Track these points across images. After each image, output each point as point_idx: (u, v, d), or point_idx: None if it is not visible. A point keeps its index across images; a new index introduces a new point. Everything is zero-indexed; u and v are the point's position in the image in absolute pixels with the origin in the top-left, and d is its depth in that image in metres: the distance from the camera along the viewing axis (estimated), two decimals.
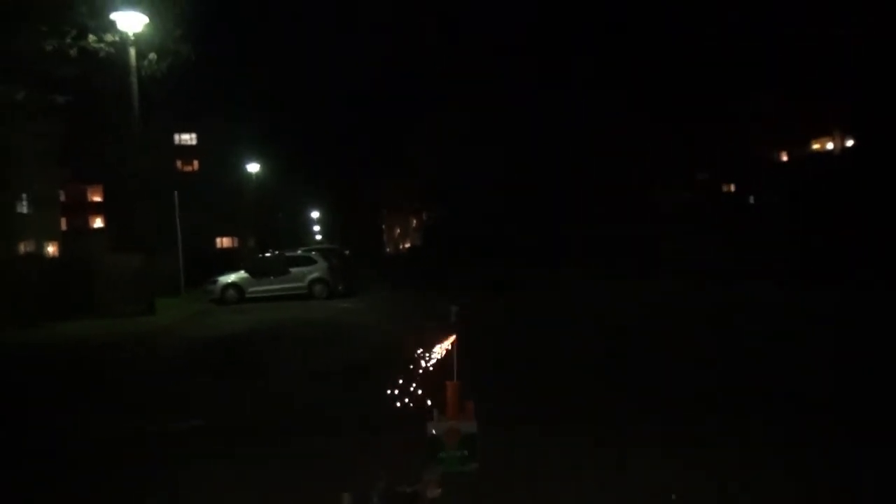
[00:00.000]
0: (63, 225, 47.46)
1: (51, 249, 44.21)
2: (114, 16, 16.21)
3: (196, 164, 67.15)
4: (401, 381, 5.10)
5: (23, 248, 35.52)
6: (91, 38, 15.77)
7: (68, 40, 15.26)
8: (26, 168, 30.73)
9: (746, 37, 32.08)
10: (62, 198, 47.94)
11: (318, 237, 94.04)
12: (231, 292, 21.61)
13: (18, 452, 5.85)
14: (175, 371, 9.89)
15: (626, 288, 20.57)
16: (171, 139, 62.37)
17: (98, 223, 62.71)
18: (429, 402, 4.84)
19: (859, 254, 18.80)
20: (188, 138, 67.85)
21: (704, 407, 6.22)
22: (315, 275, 22.07)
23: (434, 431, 4.62)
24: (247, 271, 22.33)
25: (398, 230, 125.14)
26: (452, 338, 4.96)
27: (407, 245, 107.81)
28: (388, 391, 5.13)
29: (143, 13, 16.41)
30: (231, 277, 22.02)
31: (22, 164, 28.82)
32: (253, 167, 52.52)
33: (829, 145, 35.84)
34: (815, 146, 36.89)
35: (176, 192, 22.54)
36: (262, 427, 6.19)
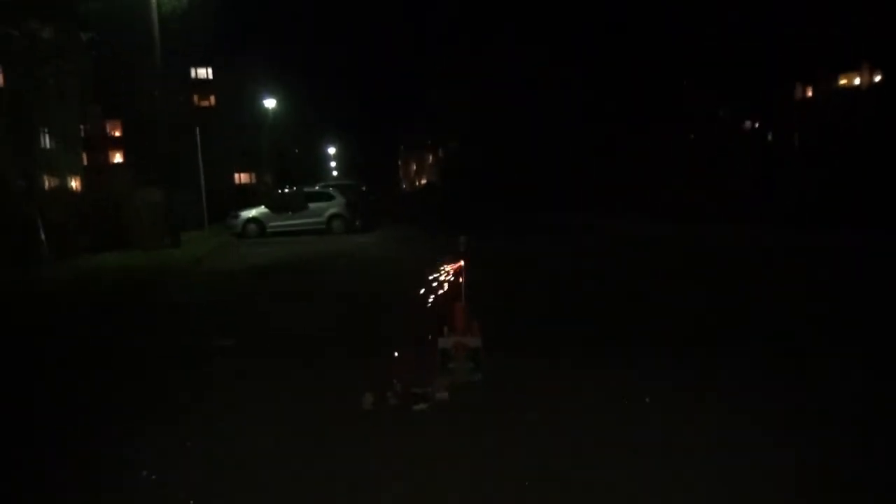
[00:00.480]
0: (83, 160, 48.22)
1: (74, 184, 45.10)
2: None
3: (213, 99, 67.18)
4: (416, 304, 5.72)
5: (47, 183, 36.38)
6: None
7: None
8: (50, 104, 31.22)
9: None
10: (82, 133, 48.52)
11: (335, 173, 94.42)
12: (252, 227, 22.33)
13: (88, 361, 6.61)
14: (208, 298, 10.63)
15: (624, 227, 21.01)
16: (188, 74, 62.18)
17: (118, 158, 63.48)
18: (440, 322, 5.47)
19: (868, 196, 18.87)
20: (204, 73, 67.63)
21: (683, 333, 6.82)
22: (333, 210, 22.69)
23: (444, 346, 5.27)
24: (267, 206, 22.99)
25: (414, 166, 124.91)
26: (461, 264, 5.55)
27: (423, 181, 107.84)
28: (405, 313, 5.76)
29: None
30: (252, 213, 22.71)
31: (45, 100, 29.28)
32: (270, 102, 52.55)
33: (857, 80, 34.90)
34: (843, 81, 36.00)
35: (197, 128, 23.02)
36: (293, 343, 6.89)
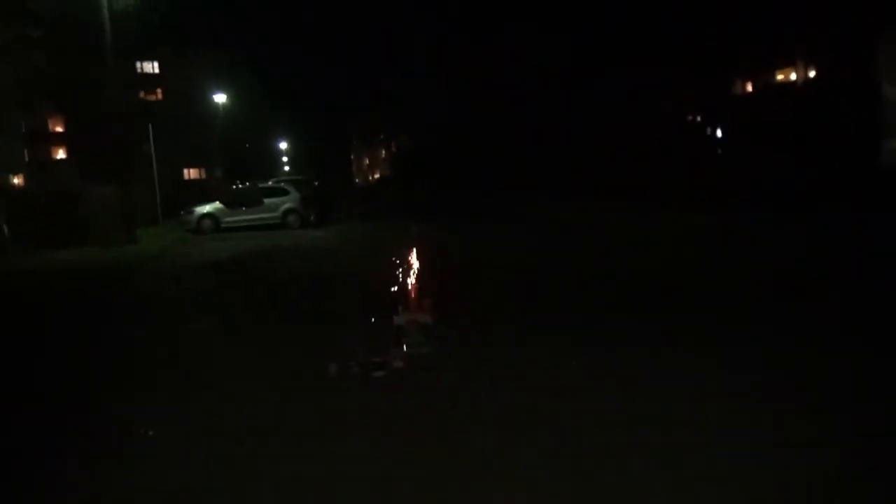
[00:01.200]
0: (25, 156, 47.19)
1: (16, 181, 44.07)
2: None
3: (160, 92, 66.12)
4: (371, 287, 6.41)
5: None
6: None
7: None
8: None
9: None
10: (22, 129, 47.43)
11: (286, 168, 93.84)
12: (207, 222, 22.56)
13: (80, 357, 7.09)
14: (177, 289, 11.09)
15: (574, 209, 22.06)
16: (135, 68, 61.08)
17: (61, 154, 62.00)
18: (394, 301, 6.18)
19: (803, 182, 20.06)
20: (150, 67, 66.43)
21: (608, 304, 7.68)
22: (288, 205, 23.08)
23: (399, 322, 5.98)
24: (222, 202, 23.23)
25: (367, 161, 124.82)
26: (412, 250, 6.25)
27: (376, 176, 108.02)
28: (361, 295, 6.44)
29: None
30: (207, 208, 22.92)
31: None
32: (219, 97, 52.17)
33: (793, 76, 36.76)
34: (780, 77, 37.89)
35: (150, 124, 23.09)
36: (260, 325, 7.49)
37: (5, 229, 11.16)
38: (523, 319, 7.22)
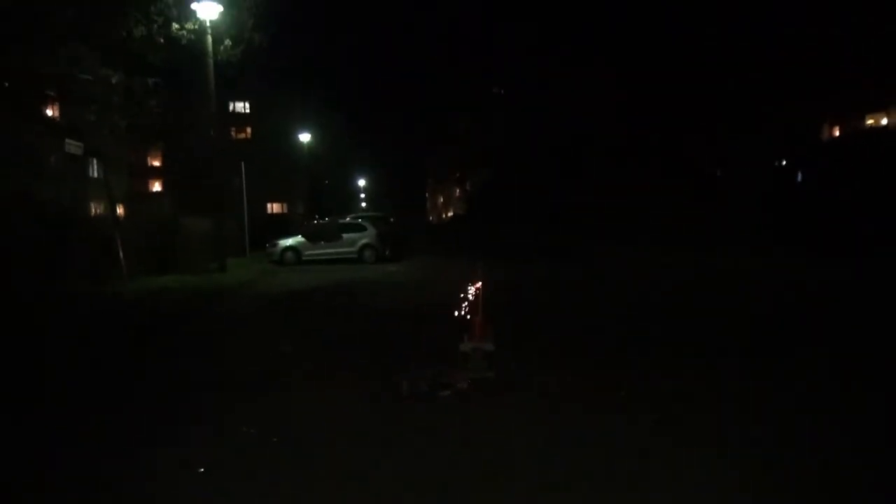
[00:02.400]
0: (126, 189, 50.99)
1: (119, 211, 47.50)
2: (194, 5, 18.36)
3: (249, 131, 70.07)
4: (441, 317, 7.11)
5: (93, 209, 38.72)
6: (174, 26, 17.91)
7: (155, 27, 17.42)
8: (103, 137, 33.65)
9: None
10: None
11: (364, 205, 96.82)
12: (290, 254, 24.00)
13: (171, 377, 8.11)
14: (264, 315, 12.16)
15: (644, 257, 22.22)
16: (228, 108, 65.13)
17: (156, 186, 66.47)
18: (460, 329, 6.86)
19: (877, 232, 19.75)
20: (242, 106, 70.60)
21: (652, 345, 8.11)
22: (365, 241, 24.28)
23: (464, 349, 6.65)
24: (303, 236, 24.67)
25: (441, 199, 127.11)
26: (479, 285, 6.95)
27: (450, 214, 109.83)
28: (431, 324, 7.15)
29: (219, 2, 18.54)
30: (289, 241, 24.39)
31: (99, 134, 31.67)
32: (304, 136, 54.88)
33: (884, 121, 35.43)
34: (870, 121, 36.62)
35: (242, 162, 24.90)
36: (340, 346, 8.32)
37: (122, 256, 12.53)
38: (581, 352, 7.75)
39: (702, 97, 36.25)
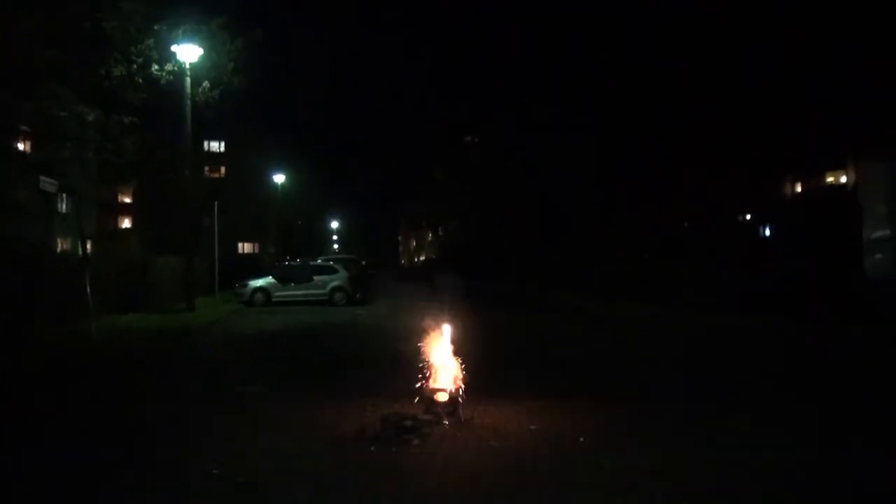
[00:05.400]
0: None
1: (88, 247, 46.67)
2: (174, 48, 18.64)
3: (223, 170, 70.00)
4: (405, 361, 7.27)
5: (60, 245, 38.15)
6: (154, 67, 18.13)
7: (135, 67, 17.61)
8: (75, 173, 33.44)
9: (767, 71, 33.83)
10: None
11: (336, 247, 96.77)
12: (259, 296, 23.91)
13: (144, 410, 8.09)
14: (228, 356, 12.16)
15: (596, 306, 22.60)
16: (202, 148, 65.23)
17: (126, 223, 65.74)
18: (425, 374, 7.02)
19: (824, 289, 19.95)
20: (217, 146, 70.64)
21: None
22: (336, 283, 24.34)
23: (426, 392, 6.81)
24: (274, 277, 24.64)
25: (414, 242, 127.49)
26: (447, 330, 7.14)
27: (422, 258, 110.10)
28: (395, 368, 7.30)
29: (201, 47, 18.86)
30: (260, 282, 24.33)
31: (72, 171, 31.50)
32: (279, 177, 54.99)
33: (843, 178, 35.87)
34: (830, 178, 37.64)
35: (216, 202, 24.96)
36: (307, 388, 8.39)
37: (89, 294, 12.47)
38: (540, 397, 7.95)
39: (670, 153, 37.32)
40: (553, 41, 46.84)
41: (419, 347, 7.25)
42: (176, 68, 18.71)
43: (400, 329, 15.47)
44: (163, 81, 18.44)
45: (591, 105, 39.95)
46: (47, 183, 12.91)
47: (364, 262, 36.59)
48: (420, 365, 7.12)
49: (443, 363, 6.96)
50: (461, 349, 7.17)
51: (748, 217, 42.76)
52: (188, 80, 19.34)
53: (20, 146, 27.94)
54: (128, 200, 66.37)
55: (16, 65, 14.27)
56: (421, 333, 7.46)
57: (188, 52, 18.89)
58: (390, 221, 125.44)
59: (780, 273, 21.31)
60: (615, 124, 38.56)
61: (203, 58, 19.22)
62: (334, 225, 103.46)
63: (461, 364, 7.08)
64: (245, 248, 69.32)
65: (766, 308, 17.84)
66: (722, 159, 36.68)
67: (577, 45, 43.00)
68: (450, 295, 24.72)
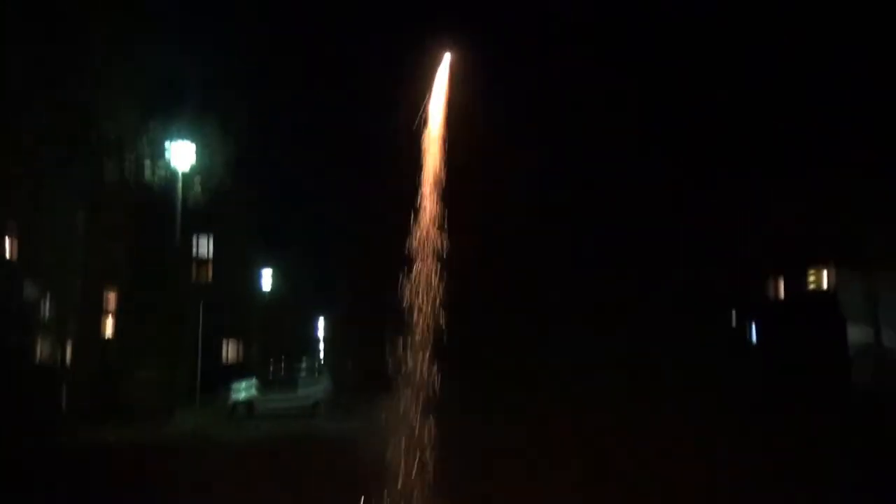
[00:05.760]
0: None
1: (68, 353, 45.52)
2: (168, 155, 18.85)
3: (209, 273, 69.34)
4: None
5: (40, 351, 37.11)
6: (147, 172, 18.30)
7: (126, 175, 17.77)
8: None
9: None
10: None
11: (322, 345, 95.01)
12: (242, 408, 23.08)
13: None
14: (205, 473, 11.61)
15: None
16: (191, 245, 65.03)
17: (108, 325, 64.30)
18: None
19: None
20: (204, 242, 70.20)
21: None
22: (320, 395, 23.70)
23: None
24: (257, 386, 23.86)
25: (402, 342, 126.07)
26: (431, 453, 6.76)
27: None
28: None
29: (198, 152, 19.10)
30: (242, 393, 23.50)
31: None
32: (266, 272, 54.46)
33: (825, 273, 35.36)
34: (812, 278, 37.02)
35: (200, 307, 24.52)
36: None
37: (63, 405, 11.92)
38: None
39: (652, 248, 37.28)
40: None
41: (402, 467, 6.91)
42: (168, 174, 18.93)
43: (383, 445, 14.85)
44: (154, 188, 18.61)
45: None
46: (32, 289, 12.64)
47: (350, 368, 35.67)
48: (400, 484, 6.77)
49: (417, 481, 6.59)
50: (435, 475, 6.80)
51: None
52: (179, 185, 19.44)
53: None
54: (111, 302, 65.39)
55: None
56: (407, 454, 7.09)
57: (181, 160, 19.10)
58: (378, 322, 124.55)
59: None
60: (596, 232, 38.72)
61: (195, 165, 19.43)
62: (321, 324, 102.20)
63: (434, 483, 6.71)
64: (229, 346, 67.68)
65: None
66: (701, 260, 36.48)
67: None
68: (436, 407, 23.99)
